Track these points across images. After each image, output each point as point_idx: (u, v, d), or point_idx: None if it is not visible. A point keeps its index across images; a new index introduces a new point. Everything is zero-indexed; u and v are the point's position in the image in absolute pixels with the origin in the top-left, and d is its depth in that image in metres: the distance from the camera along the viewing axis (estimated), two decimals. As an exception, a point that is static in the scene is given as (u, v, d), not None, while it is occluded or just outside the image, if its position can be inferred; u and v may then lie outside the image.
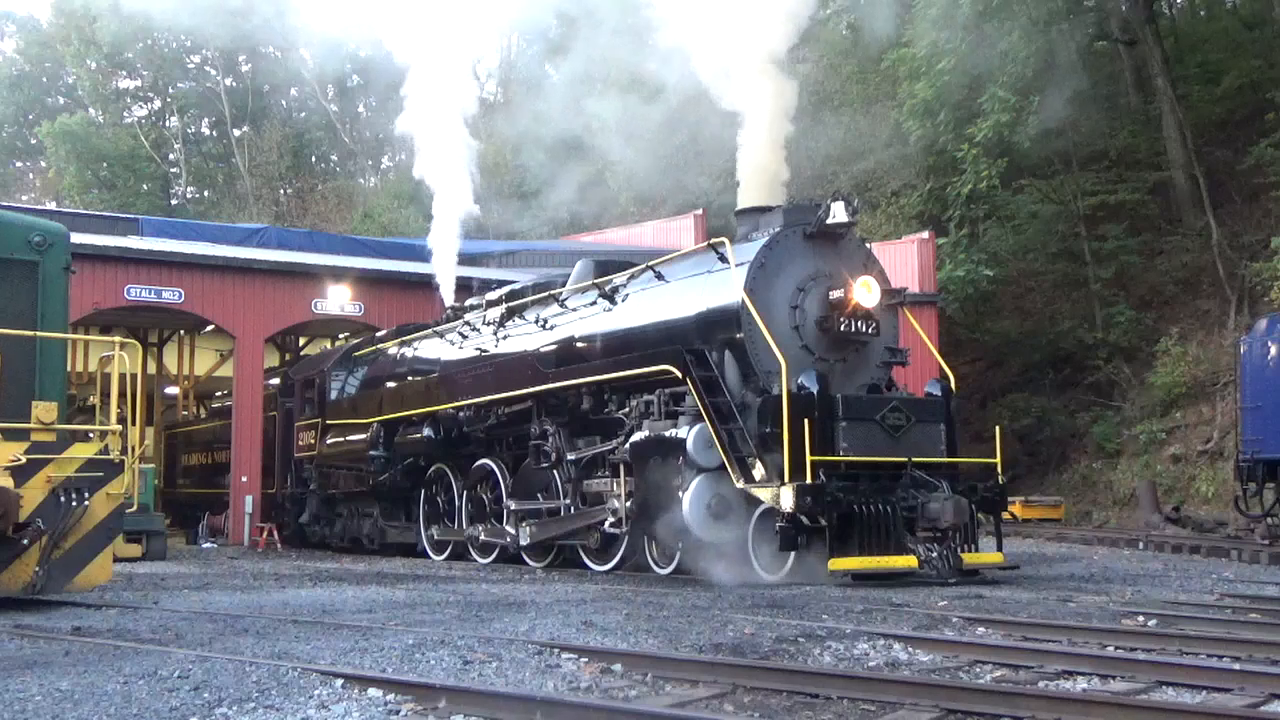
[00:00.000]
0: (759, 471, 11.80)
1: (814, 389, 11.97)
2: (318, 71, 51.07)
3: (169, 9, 41.14)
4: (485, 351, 16.75)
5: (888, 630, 7.91)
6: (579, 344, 14.91)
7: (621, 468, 13.64)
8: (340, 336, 27.99)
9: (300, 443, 21.87)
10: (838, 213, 12.89)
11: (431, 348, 18.51)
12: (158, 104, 58.07)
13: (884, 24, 30.31)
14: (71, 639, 7.86)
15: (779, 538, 11.55)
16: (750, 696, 5.93)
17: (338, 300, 24.40)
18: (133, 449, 10.44)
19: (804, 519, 11.41)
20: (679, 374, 12.60)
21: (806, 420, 11.63)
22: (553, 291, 15.87)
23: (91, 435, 10.74)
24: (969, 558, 12.37)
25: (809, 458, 11.52)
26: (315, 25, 34.40)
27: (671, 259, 14.41)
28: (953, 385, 13.44)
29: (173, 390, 32.65)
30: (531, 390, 15.15)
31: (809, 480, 11.44)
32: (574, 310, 15.17)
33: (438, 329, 18.71)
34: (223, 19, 40.19)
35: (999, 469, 13.42)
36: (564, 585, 12.54)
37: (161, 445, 31.32)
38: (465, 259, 23.41)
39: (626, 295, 14.41)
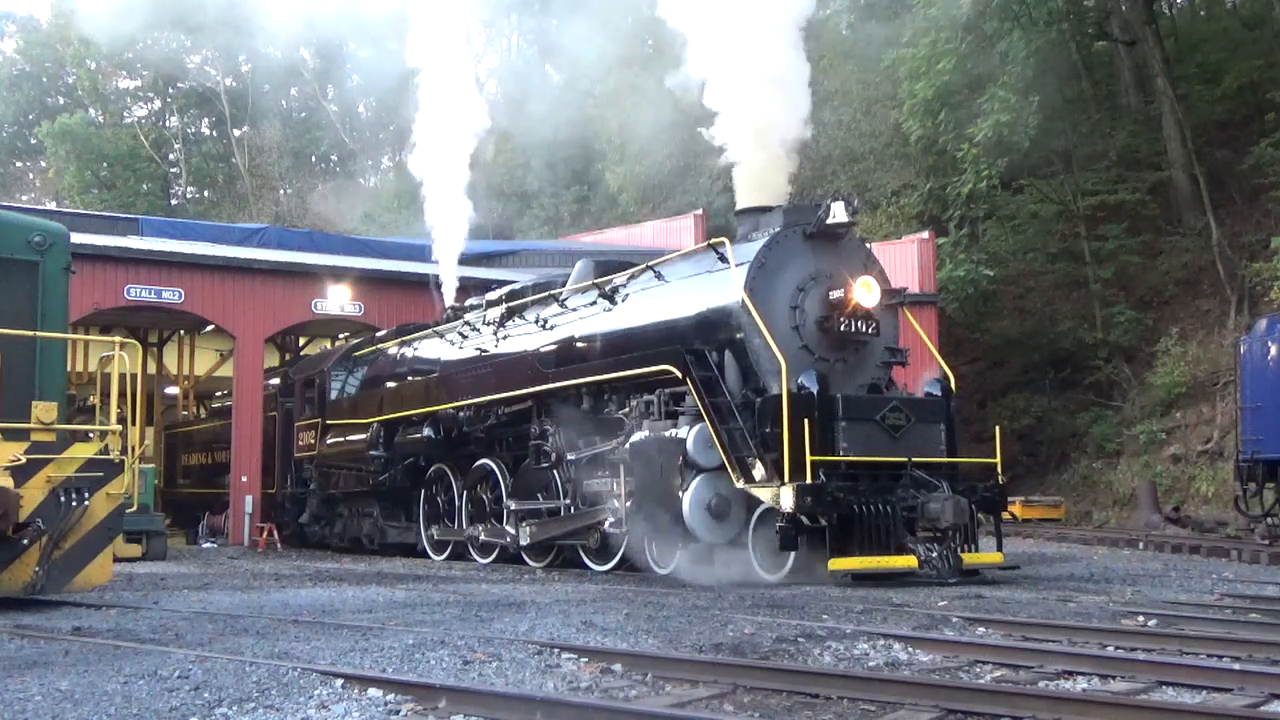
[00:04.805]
0: (759, 471, 11.79)
1: (814, 389, 11.96)
2: (319, 71, 51.08)
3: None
4: (485, 351, 16.75)
5: (888, 630, 7.90)
6: (579, 344, 14.90)
7: (621, 468, 13.63)
8: (340, 336, 27.98)
9: (300, 443, 21.86)
10: (838, 213, 12.87)
11: (431, 348, 18.51)
12: (158, 104, 58.13)
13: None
14: (71, 639, 7.85)
15: (779, 538, 11.54)
16: (750, 696, 5.93)
17: (338, 300, 24.40)
18: (133, 449, 10.43)
19: (804, 519, 11.41)
20: (679, 374, 12.60)
21: (806, 420, 11.62)
22: (553, 291, 15.86)
23: (91, 435, 10.75)
24: (969, 558, 12.36)
25: (809, 458, 11.52)
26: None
27: (671, 259, 14.40)
28: (953, 385, 13.43)
29: (173, 390, 32.64)
30: (531, 390, 15.16)
31: (809, 480, 11.43)
32: (574, 310, 15.16)
33: (438, 329, 18.71)
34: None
35: (999, 469, 13.41)
36: (564, 585, 12.54)
37: (161, 445, 31.29)
38: (465, 259, 23.40)
39: (626, 295, 14.40)
